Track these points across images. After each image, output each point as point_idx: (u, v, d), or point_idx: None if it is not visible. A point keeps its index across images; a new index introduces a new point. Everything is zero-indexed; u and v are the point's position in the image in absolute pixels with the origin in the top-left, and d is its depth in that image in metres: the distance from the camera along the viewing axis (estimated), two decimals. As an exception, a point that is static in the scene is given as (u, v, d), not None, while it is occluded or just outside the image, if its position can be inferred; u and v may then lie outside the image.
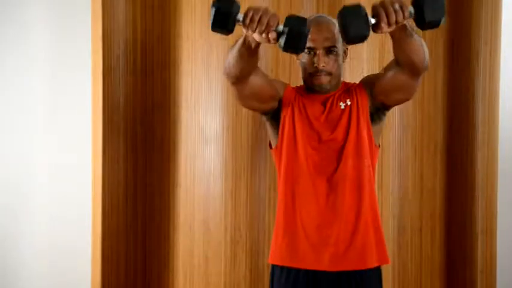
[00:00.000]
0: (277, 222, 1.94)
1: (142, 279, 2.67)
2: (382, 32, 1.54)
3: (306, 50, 1.87)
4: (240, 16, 1.52)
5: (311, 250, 1.87)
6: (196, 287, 2.56)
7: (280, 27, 1.51)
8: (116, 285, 2.60)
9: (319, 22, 1.91)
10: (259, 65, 1.79)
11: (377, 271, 1.92)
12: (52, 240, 2.79)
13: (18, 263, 2.80)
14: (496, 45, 2.60)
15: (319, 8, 2.55)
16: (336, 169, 1.86)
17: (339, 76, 1.94)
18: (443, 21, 1.55)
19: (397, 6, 1.50)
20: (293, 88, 2.00)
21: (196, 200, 2.56)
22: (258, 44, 1.61)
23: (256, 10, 1.50)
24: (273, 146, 2.00)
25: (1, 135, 2.80)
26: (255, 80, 1.79)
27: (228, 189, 2.51)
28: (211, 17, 1.51)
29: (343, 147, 1.87)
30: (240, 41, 1.65)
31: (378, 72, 1.98)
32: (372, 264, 1.89)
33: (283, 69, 2.54)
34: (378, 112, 1.94)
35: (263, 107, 1.94)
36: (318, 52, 1.86)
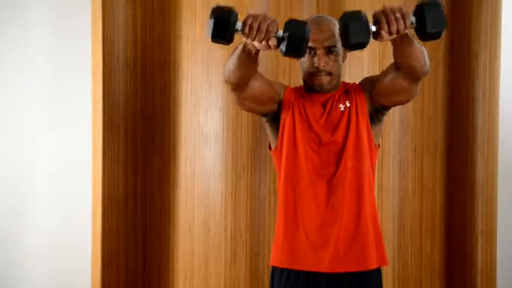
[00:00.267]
0: (278, 224, 1.94)
1: (143, 279, 2.67)
2: (382, 40, 1.53)
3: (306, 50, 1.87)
4: (239, 25, 1.50)
5: (311, 251, 1.87)
6: (196, 287, 2.56)
7: (280, 33, 1.50)
8: (116, 285, 2.60)
9: (319, 22, 1.91)
10: (258, 68, 1.79)
11: (377, 272, 1.92)
12: (52, 240, 2.79)
13: (19, 263, 2.80)
14: (495, 46, 2.59)
15: (319, 9, 2.54)
16: (335, 171, 1.87)
17: (339, 76, 1.94)
18: (443, 34, 1.53)
19: (398, 15, 1.48)
20: (293, 89, 2.00)
21: (196, 200, 2.56)
22: (257, 51, 1.60)
23: (254, 17, 1.49)
24: (273, 147, 2.00)
25: (1, 135, 2.80)
26: (254, 85, 1.79)
27: (228, 190, 2.51)
28: (210, 28, 1.49)
29: (343, 149, 1.87)
30: (240, 47, 1.64)
31: (378, 73, 1.97)
32: (372, 265, 1.89)
33: (283, 71, 2.54)
34: (377, 113, 1.94)
35: (263, 110, 1.94)
36: (318, 52, 1.85)
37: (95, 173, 2.57)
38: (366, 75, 2.56)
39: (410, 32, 1.58)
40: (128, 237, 2.63)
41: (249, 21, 1.49)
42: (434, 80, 2.66)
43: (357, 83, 1.98)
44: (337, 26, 1.88)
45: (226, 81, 1.78)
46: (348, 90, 1.94)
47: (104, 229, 2.54)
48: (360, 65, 2.58)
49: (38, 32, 2.78)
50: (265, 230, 2.53)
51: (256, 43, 1.52)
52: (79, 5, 2.72)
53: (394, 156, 2.64)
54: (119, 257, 2.61)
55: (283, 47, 1.50)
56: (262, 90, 1.85)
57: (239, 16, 1.52)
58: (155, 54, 2.63)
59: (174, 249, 2.63)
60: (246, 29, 1.50)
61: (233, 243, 2.52)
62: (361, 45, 1.51)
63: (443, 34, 1.53)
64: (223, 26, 1.48)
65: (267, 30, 1.48)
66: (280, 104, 1.94)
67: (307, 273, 1.88)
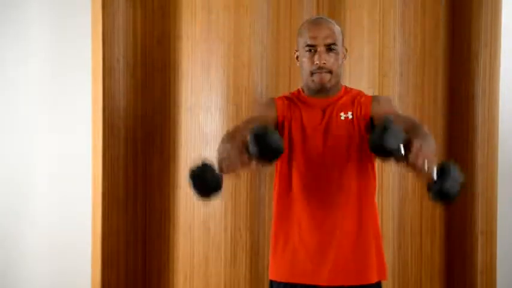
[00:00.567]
0: (275, 236, 1.92)
1: (143, 279, 2.67)
2: (400, 163, 1.55)
3: (306, 48, 1.86)
4: (220, 174, 1.58)
5: (310, 265, 1.85)
6: (196, 287, 2.57)
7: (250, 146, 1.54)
8: (116, 285, 2.60)
9: (318, 21, 1.92)
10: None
11: (377, 286, 1.89)
12: (52, 240, 2.79)
13: (19, 263, 2.81)
14: (495, 47, 2.60)
15: (319, 9, 2.55)
16: (335, 183, 1.84)
17: (339, 76, 1.92)
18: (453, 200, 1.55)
19: (426, 160, 1.50)
20: (283, 98, 1.96)
21: (196, 200, 2.56)
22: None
23: (223, 158, 1.59)
24: None
25: (1, 135, 2.80)
26: None
27: (228, 190, 2.51)
28: (193, 188, 1.56)
29: (343, 161, 1.85)
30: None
31: (393, 109, 1.89)
32: (373, 279, 1.86)
33: (283, 70, 2.55)
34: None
35: None
36: (318, 49, 1.84)
37: (95, 173, 2.57)
38: (366, 75, 2.57)
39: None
40: (128, 237, 2.63)
41: (223, 164, 1.60)
42: (435, 79, 2.66)
43: (369, 96, 1.94)
44: (337, 26, 1.90)
45: None
46: (353, 101, 1.90)
47: (104, 229, 2.54)
48: (360, 65, 2.58)
49: (38, 32, 2.78)
50: (265, 230, 2.53)
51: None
52: (79, 5, 2.72)
53: (394, 156, 2.64)
54: (119, 257, 2.61)
55: (253, 151, 1.54)
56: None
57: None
58: (155, 55, 2.63)
59: (174, 249, 2.63)
60: (224, 170, 1.61)
61: (233, 243, 2.52)
62: (388, 152, 1.51)
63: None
64: (205, 184, 1.59)
65: (237, 156, 1.58)
66: (278, 118, 1.91)
67: (307, 287, 1.86)
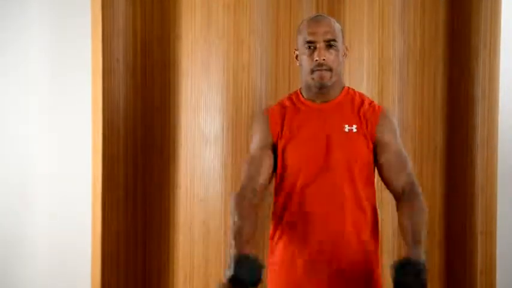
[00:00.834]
0: (277, 251, 1.90)
1: (142, 279, 2.67)
2: None
3: (305, 45, 1.83)
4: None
5: (308, 278, 1.83)
6: (196, 287, 2.57)
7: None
8: (116, 285, 2.60)
9: (317, 18, 1.90)
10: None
11: None
12: (52, 240, 2.79)
13: (19, 263, 2.81)
14: (495, 47, 2.60)
15: (319, 9, 2.55)
16: (336, 196, 1.82)
17: (340, 74, 1.89)
18: None
19: None
20: (276, 108, 1.94)
21: (196, 200, 2.56)
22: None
23: None
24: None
25: (1, 135, 2.80)
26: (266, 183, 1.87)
27: (228, 190, 2.51)
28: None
29: (342, 175, 1.82)
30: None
31: (397, 145, 1.89)
32: None
33: (283, 70, 2.55)
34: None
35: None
36: (318, 46, 1.81)
37: (94, 173, 2.57)
38: (365, 75, 2.57)
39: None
40: (127, 237, 2.63)
41: None
42: (434, 80, 2.66)
43: (376, 111, 1.88)
44: (337, 23, 1.88)
45: None
46: (359, 110, 1.87)
47: (103, 229, 2.54)
48: (360, 67, 2.58)
49: (38, 32, 2.78)
50: (264, 230, 2.52)
51: None
52: (79, 5, 2.72)
53: (394, 156, 2.64)
54: (119, 257, 2.61)
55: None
56: (269, 170, 1.88)
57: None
58: (155, 54, 2.63)
59: (174, 249, 2.63)
60: None
61: (233, 243, 2.52)
62: None
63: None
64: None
65: None
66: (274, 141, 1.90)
67: None
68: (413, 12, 2.63)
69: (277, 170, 1.90)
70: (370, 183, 1.89)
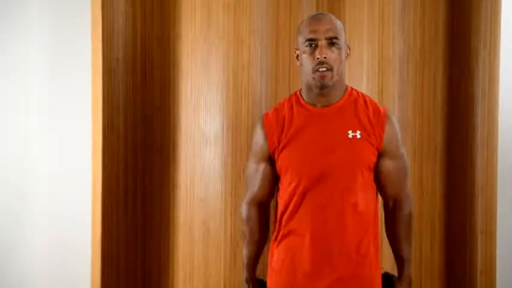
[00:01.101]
0: (277, 255, 1.90)
1: (142, 279, 2.67)
2: None
3: (306, 43, 1.78)
4: None
5: (309, 284, 1.82)
6: (196, 287, 2.56)
7: None
8: (116, 285, 2.60)
9: (319, 15, 1.85)
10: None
11: None
12: (52, 241, 2.79)
13: (19, 263, 2.81)
14: (495, 46, 2.59)
15: (319, 9, 2.55)
16: (337, 203, 1.79)
17: (342, 75, 1.84)
18: None
19: None
20: (273, 114, 1.90)
21: (196, 200, 2.56)
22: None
23: None
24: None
25: (1, 135, 2.80)
26: (270, 196, 1.96)
27: (228, 190, 2.51)
28: None
29: (348, 181, 1.80)
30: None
31: (400, 152, 1.90)
32: None
33: (283, 70, 2.55)
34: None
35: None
36: (320, 43, 1.76)
37: (95, 173, 2.57)
38: (365, 75, 2.56)
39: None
40: (128, 237, 2.63)
41: None
42: (434, 80, 2.66)
43: (381, 119, 1.85)
44: (339, 21, 1.84)
45: None
46: (364, 115, 1.83)
47: (103, 229, 2.54)
48: (360, 68, 2.58)
49: (38, 32, 2.78)
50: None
51: None
52: (79, 5, 2.72)
53: (394, 156, 2.64)
54: (119, 257, 2.60)
55: None
56: (270, 181, 1.93)
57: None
58: (155, 54, 2.63)
59: (174, 249, 2.63)
60: None
61: (233, 244, 2.52)
62: None
63: None
64: None
65: None
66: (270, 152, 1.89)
67: None
68: (413, 12, 2.63)
69: (279, 175, 1.89)
70: (372, 188, 1.87)
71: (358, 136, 1.80)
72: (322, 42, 1.77)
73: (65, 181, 2.78)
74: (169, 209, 2.64)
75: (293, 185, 1.82)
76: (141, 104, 2.64)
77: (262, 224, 1.97)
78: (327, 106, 1.84)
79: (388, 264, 2.32)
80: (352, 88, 1.91)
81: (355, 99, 1.87)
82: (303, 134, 1.83)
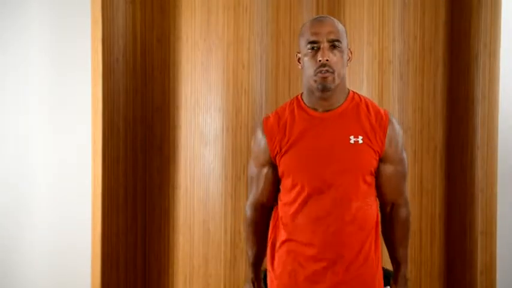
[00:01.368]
0: (277, 259, 1.89)
1: (142, 279, 2.67)
2: None
3: (308, 46, 1.76)
4: None
5: (310, 286, 1.82)
6: (196, 287, 2.57)
7: None
8: (116, 285, 2.61)
9: (321, 18, 1.83)
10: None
11: None
12: (52, 241, 2.79)
13: (19, 263, 2.81)
14: (495, 47, 2.59)
15: (319, 9, 2.55)
16: (338, 209, 1.78)
17: (344, 78, 1.81)
18: None
19: None
20: (274, 118, 1.88)
21: (196, 201, 2.56)
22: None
23: None
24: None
25: (1, 135, 2.80)
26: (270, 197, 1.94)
27: (228, 191, 2.51)
28: None
29: (350, 187, 1.78)
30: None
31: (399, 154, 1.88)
32: None
33: (283, 70, 2.54)
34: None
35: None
36: (322, 46, 1.74)
37: (95, 173, 2.57)
38: (365, 76, 2.56)
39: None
40: (127, 237, 2.63)
41: None
42: (434, 80, 2.66)
43: (384, 123, 1.82)
44: (341, 25, 1.81)
45: None
46: (365, 119, 1.81)
47: (103, 229, 2.54)
48: (360, 69, 2.58)
49: (38, 32, 2.78)
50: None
51: None
52: (79, 5, 2.72)
53: (394, 156, 2.64)
54: (119, 257, 2.61)
55: None
56: (272, 185, 1.92)
57: None
58: (155, 55, 2.63)
59: (174, 249, 2.63)
60: None
61: (233, 244, 2.53)
62: None
63: None
64: None
65: None
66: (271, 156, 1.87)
67: None
68: (413, 13, 2.63)
69: (280, 178, 1.88)
70: (373, 193, 1.86)
71: (360, 141, 1.78)
72: (324, 45, 1.75)
73: (65, 181, 2.78)
74: (169, 209, 2.64)
75: (295, 190, 1.81)
76: (141, 104, 2.64)
77: (265, 226, 1.98)
78: (328, 111, 1.82)
79: (388, 262, 2.32)
80: (354, 92, 1.89)
81: (357, 103, 1.85)
82: (305, 140, 1.81)
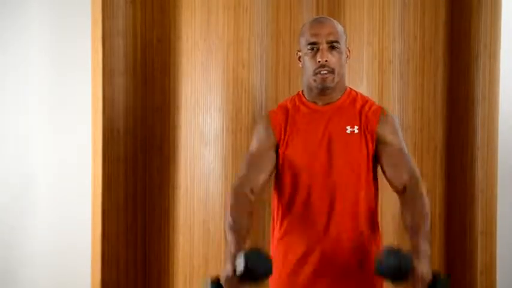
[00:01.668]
0: (278, 253, 1.90)
1: (142, 279, 2.67)
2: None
3: (308, 47, 1.82)
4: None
5: (312, 282, 1.83)
6: (196, 287, 2.57)
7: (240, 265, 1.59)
8: (116, 285, 2.60)
9: (320, 19, 1.90)
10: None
11: None
12: (52, 241, 2.79)
13: (19, 263, 2.81)
14: (495, 48, 2.59)
15: (319, 9, 2.55)
16: (338, 199, 1.81)
17: (343, 77, 1.88)
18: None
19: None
20: (281, 110, 1.92)
21: (196, 201, 2.56)
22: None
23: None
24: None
25: (1, 135, 2.80)
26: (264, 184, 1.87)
27: (228, 190, 2.51)
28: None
29: (348, 177, 1.82)
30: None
31: (396, 140, 1.88)
32: None
33: (283, 70, 2.55)
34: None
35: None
36: (321, 47, 1.80)
37: (95, 173, 2.57)
38: (365, 76, 2.57)
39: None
40: (128, 237, 2.63)
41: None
42: (434, 80, 2.66)
43: (377, 109, 1.88)
44: (340, 26, 1.87)
45: None
46: (360, 110, 1.86)
47: (103, 229, 2.54)
48: (360, 67, 2.58)
49: (38, 32, 2.78)
50: (264, 231, 2.53)
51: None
52: (79, 5, 2.72)
53: (394, 156, 2.64)
54: (119, 257, 2.61)
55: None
56: (269, 171, 1.87)
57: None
58: (155, 55, 2.63)
59: (174, 249, 2.63)
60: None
61: (233, 244, 2.52)
62: (394, 276, 1.59)
63: None
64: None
65: None
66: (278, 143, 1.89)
67: None
68: (413, 13, 2.63)
69: (279, 171, 1.90)
70: (372, 183, 1.88)
71: (356, 131, 1.84)
72: (324, 46, 1.80)
73: (65, 181, 2.78)
74: (169, 209, 2.64)
75: (294, 182, 1.85)
76: (141, 104, 2.64)
77: (248, 214, 1.82)
78: (327, 104, 1.88)
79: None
80: (351, 88, 1.95)
81: (354, 98, 1.91)
82: (306, 131, 1.86)
